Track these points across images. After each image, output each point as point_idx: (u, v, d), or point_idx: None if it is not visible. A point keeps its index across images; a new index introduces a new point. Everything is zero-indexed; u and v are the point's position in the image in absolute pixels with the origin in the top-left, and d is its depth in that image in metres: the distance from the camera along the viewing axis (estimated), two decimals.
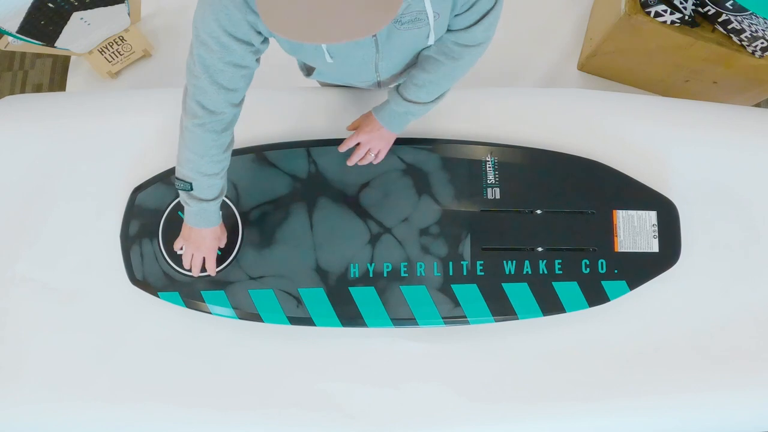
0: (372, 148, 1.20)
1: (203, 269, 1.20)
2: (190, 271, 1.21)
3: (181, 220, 1.18)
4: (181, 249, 1.21)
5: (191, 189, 1.07)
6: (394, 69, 1.15)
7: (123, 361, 1.25)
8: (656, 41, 1.92)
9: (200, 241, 1.16)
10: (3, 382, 1.24)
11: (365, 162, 1.22)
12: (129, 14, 2.09)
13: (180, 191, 1.10)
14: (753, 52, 1.84)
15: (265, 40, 0.96)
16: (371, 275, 1.23)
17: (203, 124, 1.00)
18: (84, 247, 1.30)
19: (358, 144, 1.20)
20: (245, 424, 1.23)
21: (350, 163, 1.21)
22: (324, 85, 1.42)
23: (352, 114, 1.36)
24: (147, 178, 1.30)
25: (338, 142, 1.29)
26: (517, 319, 1.23)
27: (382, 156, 1.22)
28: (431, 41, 1.02)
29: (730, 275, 1.32)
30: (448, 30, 1.03)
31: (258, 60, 0.98)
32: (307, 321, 1.22)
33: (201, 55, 0.92)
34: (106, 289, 1.28)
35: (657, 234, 1.28)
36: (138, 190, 1.28)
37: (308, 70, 1.26)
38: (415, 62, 1.15)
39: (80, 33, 2.02)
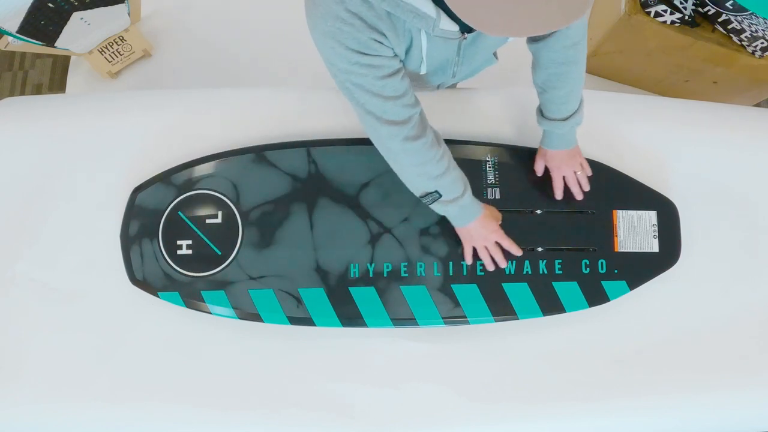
0: (574, 169, 1.24)
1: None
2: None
3: (182, 221, 1.18)
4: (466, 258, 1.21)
5: (440, 196, 1.08)
6: (470, 73, 1.16)
7: (123, 361, 1.25)
8: (656, 41, 1.92)
9: (482, 232, 1.16)
10: (3, 382, 1.24)
11: (581, 184, 1.25)
12: (129, 14, 2.09)
13: (434, 205, 1.10)
14: (753, 52, 1.84)
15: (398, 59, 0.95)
16: (371, 275, 1.23)
17: (404, 137, 0.99)
18: (84, 247, 1.30)
19: (563, 178, 1.25)
20: (245, 424, 1.23)
21: (579, 196, 1.25)
22: None
23: (352, 115, 1.36)
24: (147, 178, 1.30)
25: (338, 142, 1.29)
26: (517, 319, 1.23)
27: (586, 167, 1.25)
28: (511, 38, 1.00)
29: (730, 275, 1.32)
30: (546, 38, 1.04)
31: (397, 62, 0.95)
32: (307, 321, 1.22)
33: (355, 84, 0.91)
34: (106, 289, 1.28)
35: (657, 234, 1.28)
36: (138, 190, 1.28)
37: None
38: (487, 64, 1.17)
39: (80, 33, 2.02)
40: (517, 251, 1.19)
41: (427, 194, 1.08)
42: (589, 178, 1.27)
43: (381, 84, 0.92)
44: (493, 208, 1.23)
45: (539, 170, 1.27)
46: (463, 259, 1.22)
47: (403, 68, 0.97)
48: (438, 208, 1.11)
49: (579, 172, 1.25)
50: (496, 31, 0.64)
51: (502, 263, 1.20)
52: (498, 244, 1.19)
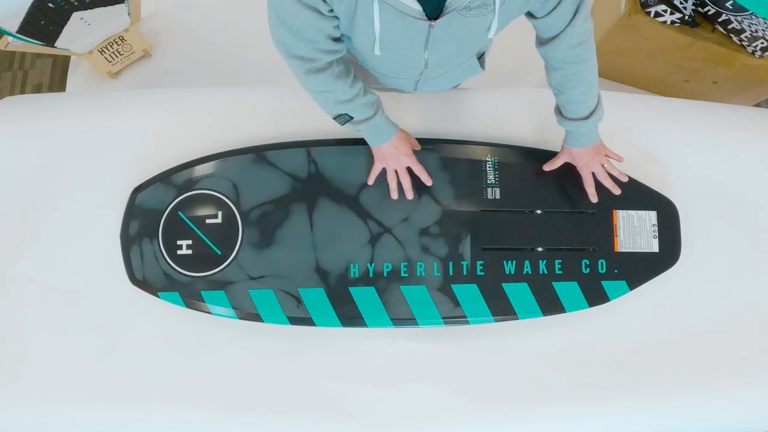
0: (602, 162, 1.22)
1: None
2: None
3: (182, 221, 1.18)
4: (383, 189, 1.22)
5: (351, 118, 1.10)
6: (441, 64, 1.12)
7: (123, 361, 1.25)
8: (656, 41, 1.92)
9: (394, 152, 1.17)
10: (3, 382, 1.24)
11: (609, 178, 1.24)
12: (129, 14, 2.09)
13: (347, 126, 1.12)
14: (753, 52, 1.84)
15: (334, 17, 0.94)
16: (371, 275, 1.23)
17: (307, 70, 1.01)
18: (84, 247, 1.30)
19: (592, 174, 1.23)
20: (245, 424, 1.23)
21: (616, 190, 1.23)
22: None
23: None
24: (147, 178, 1.30)
25: (338, 142, 1.29)
26: (517, 319, 1.23)
27: (615, 155, 1.23)
28: (492, 34, 0.99)
29: (730, 275, 1.32)
30: (552, 40, 1.04)
31: (332, 24, 0.96)
32: (307, 321, 1.22)
33: (279, 16, 0.93)
34: (106, 289, 1.28)
35: (657, 234, 1.28)
36: (138, 190, 1.28)
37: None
38: (458, 63, 1.14)
39: (80, 33, 2.02)
40: (427, 180, 1.20)
41: (339, 116, 1.10)
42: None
43: (300, 20, 0.93)
44: (411, 135, 1.23)
45: (556, 165, 1.24)
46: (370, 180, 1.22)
47: (331, 29, 0.96)
48: (351, 128, 1.12)
49: (607, 165, 1.24)
50: None
51: (409, 192, 1.21)
52: (410, 171, 1.20)
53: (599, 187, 1.25)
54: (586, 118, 1.14)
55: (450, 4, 0.89)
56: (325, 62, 1.01)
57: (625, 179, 1.25)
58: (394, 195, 1.22)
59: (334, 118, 1.11)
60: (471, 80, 1.31)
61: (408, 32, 0.95)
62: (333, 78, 1.03)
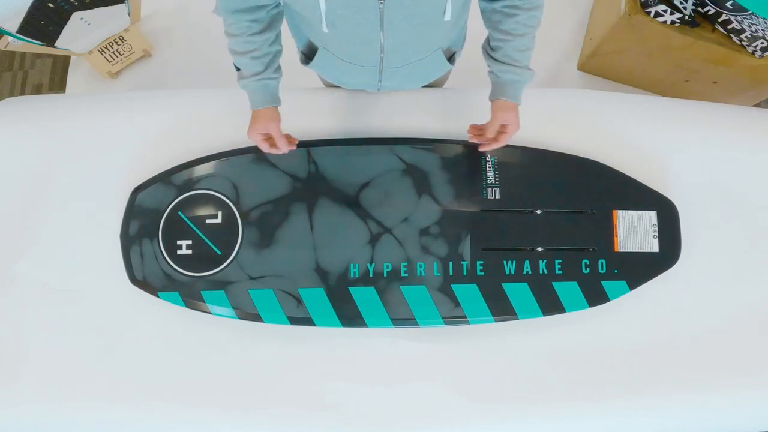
0: (516, 128, 1.16)
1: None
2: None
3: (182, 221, 1.18)
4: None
5: (238, 69, 1.12)
6: (401, 51, 1.10)
7: (123, 361, 1.25)
8: (656, 41, 1.92)
9: (259, 119, 1.14)
10: (3, 382, 1.24)
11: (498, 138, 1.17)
12: (129, 14, 2.09)
13: (238, 81, 1.13)
14: (753, 52, 1.84)
15: None
16: (371, 275, 1.23)
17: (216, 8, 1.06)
18: (84, 247, 1.30)
19: (499, 128, 1.15)
20: (245, 424, 1.23)
21: (483, 147, 1.19)
22: (326, 85, 1.42)
23: (352, 115, 1.36)
24: (147, 178, 1.30)
25: (338, 142, 1.29)
26: (517, 319, 1.23)
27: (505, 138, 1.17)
28: (448, 16, 0.98)
29: (730, 275, 1.32)
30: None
31: None
32: (307, 321, 1.22)
33: None
34: (106, 289, 1.28)
35: (657, 234, 1.28)
36: (138, 190, 1.28)
37: (307, 57, 1.23)
38: (421, 54, 1.12)
39: (80, 33, 2.02)
40: (284, 146, 1.15)
41: (234, 66, 1.13)
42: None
43: None
44: (280, 117, 1.18)
45: (496, 127, 1.16)
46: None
47: None
48: (239, 82, 1.14)
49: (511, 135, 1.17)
50: None
51: (284, 147, 1.16)
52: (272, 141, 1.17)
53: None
54: (529, 68, 1.12)
55: None
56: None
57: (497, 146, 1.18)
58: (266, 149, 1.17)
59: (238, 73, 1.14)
60: (471, 80, 1.30)
61: (357, 9, 0.94)
62: (242, 31, 1.06)
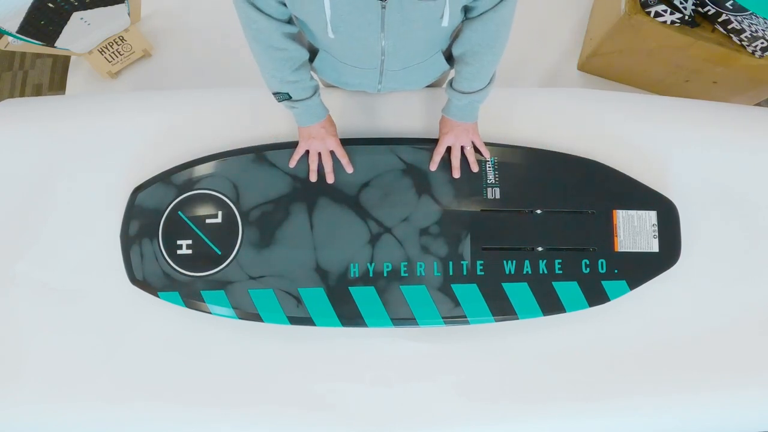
0: (462, 143, 1.24)
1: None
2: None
3: (182, 220, 1.18)
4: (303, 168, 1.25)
5: (290, 97, 1.14)
6: (401, 55, 1.11)
7: (123, 361, 1.25)
8: (656, 41, 1.92)
9: (321, 132, 1.21)
10: (3, 382, 1.24)
11: (463, 163, 1.26)
12: (129, 14, 2.09)
13: (283, 102, 1.17)
14: (753, 52, 1.84)
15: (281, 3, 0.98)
16: (371, 275, 1.23)
17: (267, 45, 1.06)
18: (84, 247, 1.30)
19: (449, 149, 1.25)
20: (245, 424, 1.23)
21: (455, 171, 1.26)
22: (326, 85, 1.42)
23: (352, 115, 1.36)
24: (147, 178, 1.30)
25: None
26: (517, 319, 1.23)
27: (479, 144, 1.26)
28: (445, 22, 0.99)
29: (730, 275, 1.32)
30: (479, 17, 1.04)
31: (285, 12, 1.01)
32: (307, 321, 1.22)
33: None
34: (106, 289, 1.28)
35: (657, 234, 1.28)
36: (138, 190, 1.28)
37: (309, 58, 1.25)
38: (421, 58, 1.15)
39: (80, 33, 2.02)
40: (348, 166, 1.24)
41: (279, 93, 1.14)
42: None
43: None
44: (333, 121, 1.25)
45: (442, 149, 1.25)
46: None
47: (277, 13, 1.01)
48: (287, 104, 1.17)
49: (468, 148, 1.25)
50: None
51: (330, 176, 1.24)
52: (333, 154, 1.25)
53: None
54: (465, 92, 1.17)
55: None
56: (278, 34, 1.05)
57: (476, 169, 1.27)
58: (313, 177, 1.25)
59: (273, 94, 1.16)
60: None
61: (361, 12, 0.95)
62: (287, 59, 1.09)
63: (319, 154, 1.24)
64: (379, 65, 1.13)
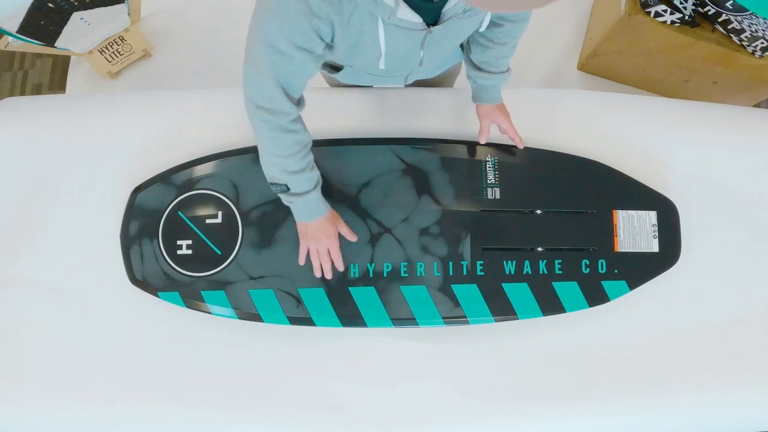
0: (500, 121, 1.25)
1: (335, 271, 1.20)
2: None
3: (182, 221, 1.18)
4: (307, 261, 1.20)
5: (288, 189, 1.07)
6: (435, 60, 1.13)
7: (123, 361, 1.25)
8: (656, 41, 1.92)
9: (318, 233, 1.15)
10: (3, 381, 1.24)
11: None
12: (129, 14, 2.09)
13: (281, 195, 1.10)
14: (753, 52, 1.84)
15: (327, 47, 0.94)
16: (371, 275, 1.23)
17: (275, 125, 1.00)
18: (84, 247, 1.30)
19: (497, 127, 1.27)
20: (245, 424, 1.23)
21: (519, 143, 1.26)
22: (332, 84, 1.42)
23: (352, 115, 1.36)
24: (147, 178, 1.30)
25: (338, 142, 1.29)
26: (517, 319, 1.23)
27: (513, 128, 1.26)
28: (484, 27, 1.03)
29: (730, 275, 1.32)
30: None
31: (318, 66, 0.96)
32: (307, 321, 1.22)
33: (258, 60, 0.91)
34: (106, 289, 1.28)
35: (657, 234, 1.28)
36: (138, 190, 1.28)
37: (333, 68, 1.25)
38: (451, 55, 1.19)
39: (80, 33, 2.02)
40: (340, 266, 1.19)
41: (276, 184, 1.08)
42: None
43: (281, 75, 0.93)
44: (338, 215, 1.19)
45: (487, 131, 1.26)
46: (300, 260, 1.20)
47: (312, 75, 0.96)
48: (284, 198, 1.10)
49: (509, 125, 1.26)
50: (496, 6, 0.60)
51: (328, 273, 1.18)
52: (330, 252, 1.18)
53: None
54: (506, 71, 1.19)
55: (448, 12, 0.90)
56: (293, 119, 1.01)
57: (522, 146, 1.27)
58: (317, 273, 1.19)
59: (270, 184, 1.09)
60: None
61: (409, 41, 0.96)
62: (293, 143, 1.03)
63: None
64: (412, 72, 1.16)
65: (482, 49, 1.15)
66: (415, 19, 0.88)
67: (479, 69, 1.18)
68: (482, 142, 1.26)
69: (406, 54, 1.01)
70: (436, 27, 0.92)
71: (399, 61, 1.04)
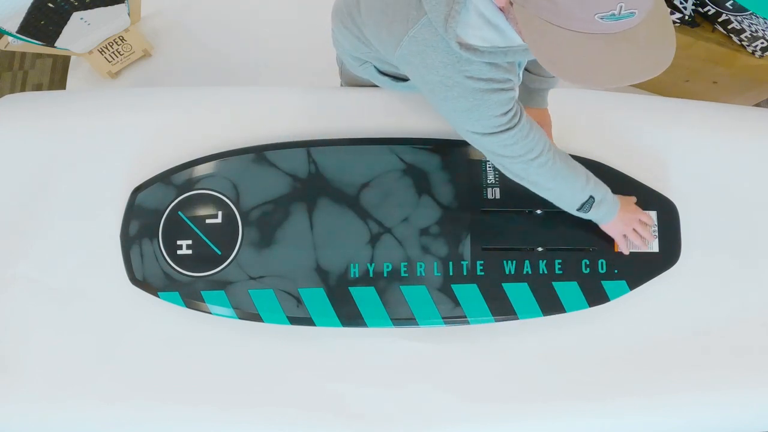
0: (632, 227, 1.25)
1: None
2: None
3: (182, 221, 1.18)
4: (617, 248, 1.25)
5: (594, 199, 1.12)
6: None
7: (123, 361, 1.25)
8: None
9: (628, 215, 1.20)
10: (3, 381, 1.24)
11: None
12: (129, 14, 2.09)
13: (591, 211, 1.14)
14: (753, 52, 1.84)
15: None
16: (371, 275, 1.23)
17: (546, 161, 1.04)
18: (84, 247, 1.30)
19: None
20: (245, 424, 1.23)
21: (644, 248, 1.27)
22: (356, 84, 1.42)
23: (352, 115, 1.36)
24: (147, 178, 1.30)
25: (338, 142, 1.29)
26: (517, 319, 1.23)
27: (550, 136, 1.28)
28: None
29: (730, 275, 1.32)
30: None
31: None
32: (307, 321, 1.22)
33: (498, 139, 0.97)
34: (106, 289, 1.28)
35: (657, 234, 1.28)
36: (138, 190, 1.28)
37: (401, 79, 1.26)
38: None
39: (80, 33, 2.02)
40: (649, 220, 1.24)
41: (583, 203, 1.12)
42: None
43: (511, 133, 0.97)
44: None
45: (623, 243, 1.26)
46: (619, 250, 1.24)
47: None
48: (594, 212, 1.14)
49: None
50: (581, 82, 0.66)
51: (651, 237, 1.25)
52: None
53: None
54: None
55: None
56: (545, 141, 1.04)
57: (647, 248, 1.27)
58: (644, 247, 1.25)
59: (579, 208, 1.13)
60: None
61: None
62: (567, 163, 1.08)
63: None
64: None
65: None
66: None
67: (531, 72, 1.20)
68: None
69: None
70: None
71: None
